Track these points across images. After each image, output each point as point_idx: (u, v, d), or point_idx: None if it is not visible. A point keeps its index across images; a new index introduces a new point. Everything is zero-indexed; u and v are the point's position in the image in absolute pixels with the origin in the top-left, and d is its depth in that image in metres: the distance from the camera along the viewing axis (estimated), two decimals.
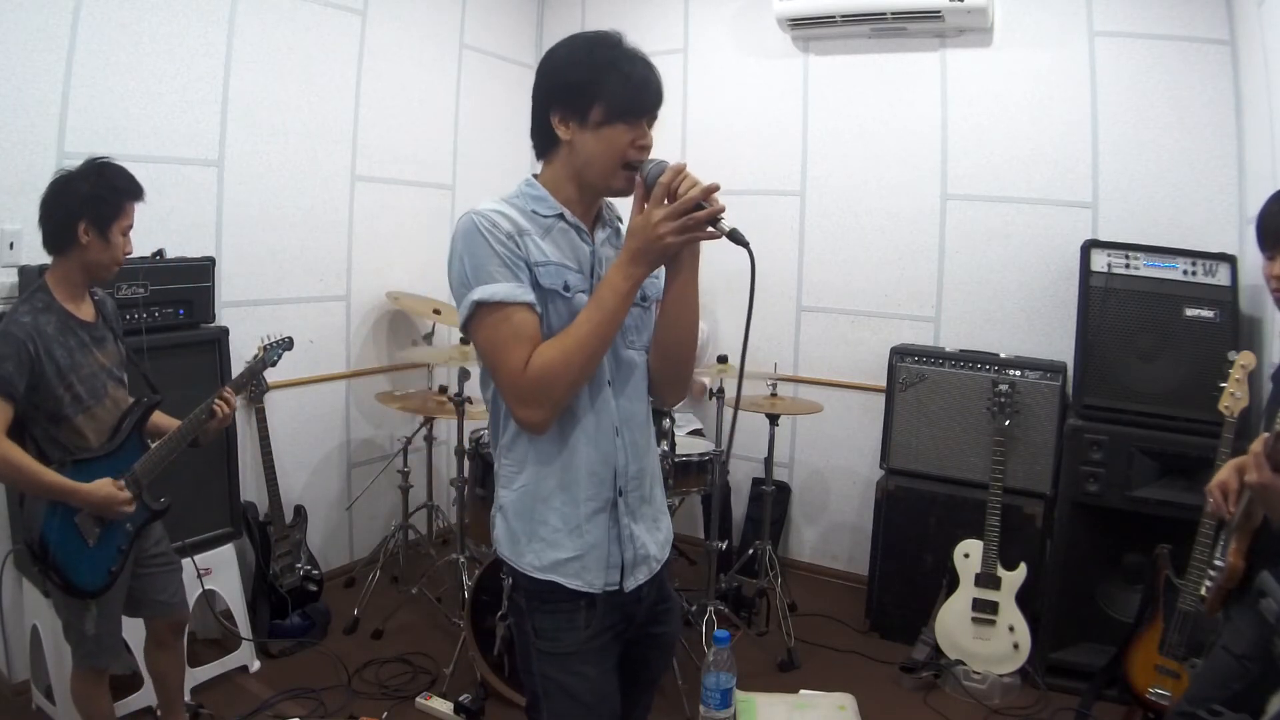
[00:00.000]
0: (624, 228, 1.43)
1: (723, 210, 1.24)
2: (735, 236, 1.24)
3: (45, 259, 2.16)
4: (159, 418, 2.14)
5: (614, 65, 1.27)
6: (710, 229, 1.24)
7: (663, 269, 1.36)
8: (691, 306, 1.37)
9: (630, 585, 1.37)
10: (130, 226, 1.96)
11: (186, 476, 2.59)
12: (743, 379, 1.37)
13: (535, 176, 1.37)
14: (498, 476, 1.41)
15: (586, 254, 1.35)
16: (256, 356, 2.38)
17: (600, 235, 1.39)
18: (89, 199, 1.87)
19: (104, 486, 1.89)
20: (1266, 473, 1.46)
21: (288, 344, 2.41)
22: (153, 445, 2.06)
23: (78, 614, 1.97)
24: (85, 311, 1.98)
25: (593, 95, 1.26)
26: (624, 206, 1.38)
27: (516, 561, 1.35)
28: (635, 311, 1.39)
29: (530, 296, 1.26)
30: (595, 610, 1.34)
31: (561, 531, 1.33)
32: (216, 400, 2.11)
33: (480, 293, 1.24)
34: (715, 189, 1.24)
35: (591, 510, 1.34)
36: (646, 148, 1.30)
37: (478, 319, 1.26)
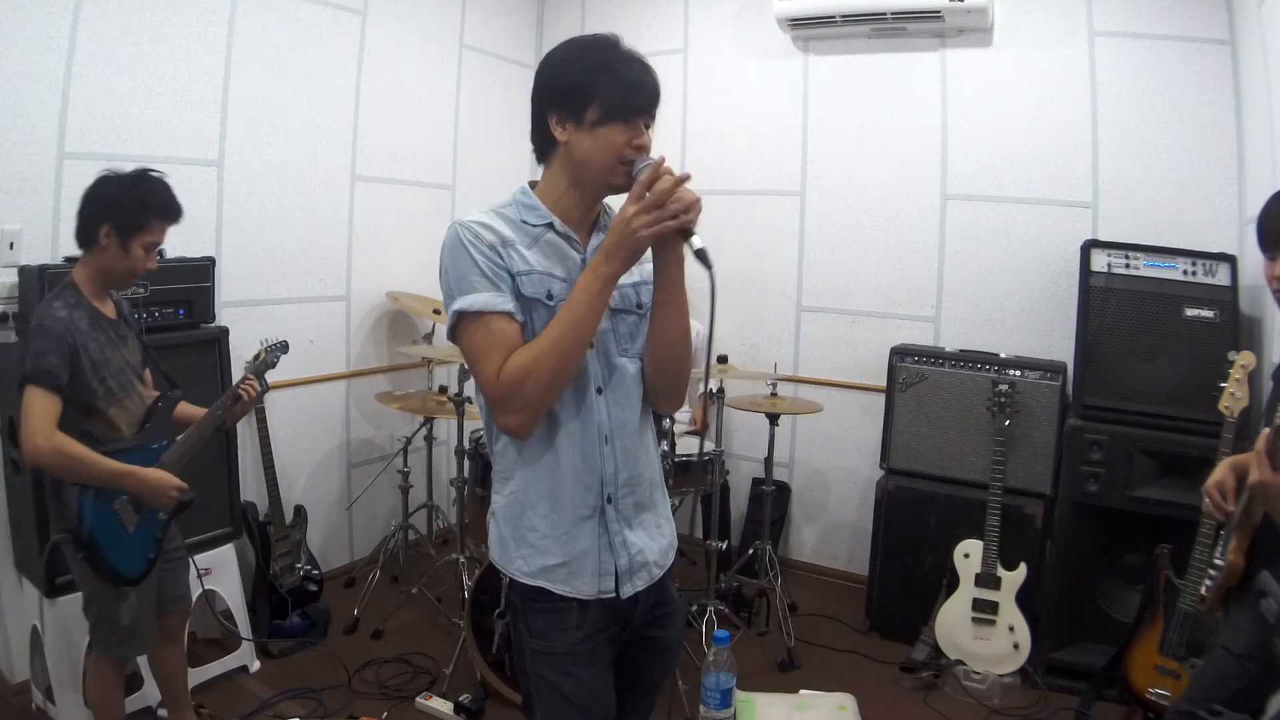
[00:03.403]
0: None
1: (697, 202, 1.24)
2: (701, 256, 1.23)
3: (45, 259, 2.22)
4: (183, 407, 2.20)
5: (608, 66, 1.27)
6: (683, 231, 1.24)
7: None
8: (678, 312, 1.36)
9: (628, 592, 1.36)
10: (156, 243, 1.98)
11: (187, 476, 2.57)
12: (708, 376, 1.35)
13: (532, 185, 1.38)
14: (492, 482, 1.42)
15: (576, 262, 1.34)
16: (258, 357, 2.42)
17: (594, 241, 1.38)
18: (115, 205, 1.90)
19: (158, 470, 1.96)
20: (1268, 471, 1.46)
21: (284, 347, 2.47)
22: (179, 436, 2.12)
23: (113, 604, 2.00)
24: (109, 310, 2.03)
25: (589, 96, 1.26)
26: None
27: (506, 567, 1.36)
28: (630, 319, 1.39)
29: (509, 305, 1.27)
30: (587, 612, 1.34)
31: (549, 538, 1.33)
32: (241, 386, 2.19)
33: (461, 303, 1.27)
34: (686, 178, 1.24)
35: (579, 517, 1.34)
36: (644, 148, 1.29)
37: (460, 328, 1.29)
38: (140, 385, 2.07)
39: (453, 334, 1.31)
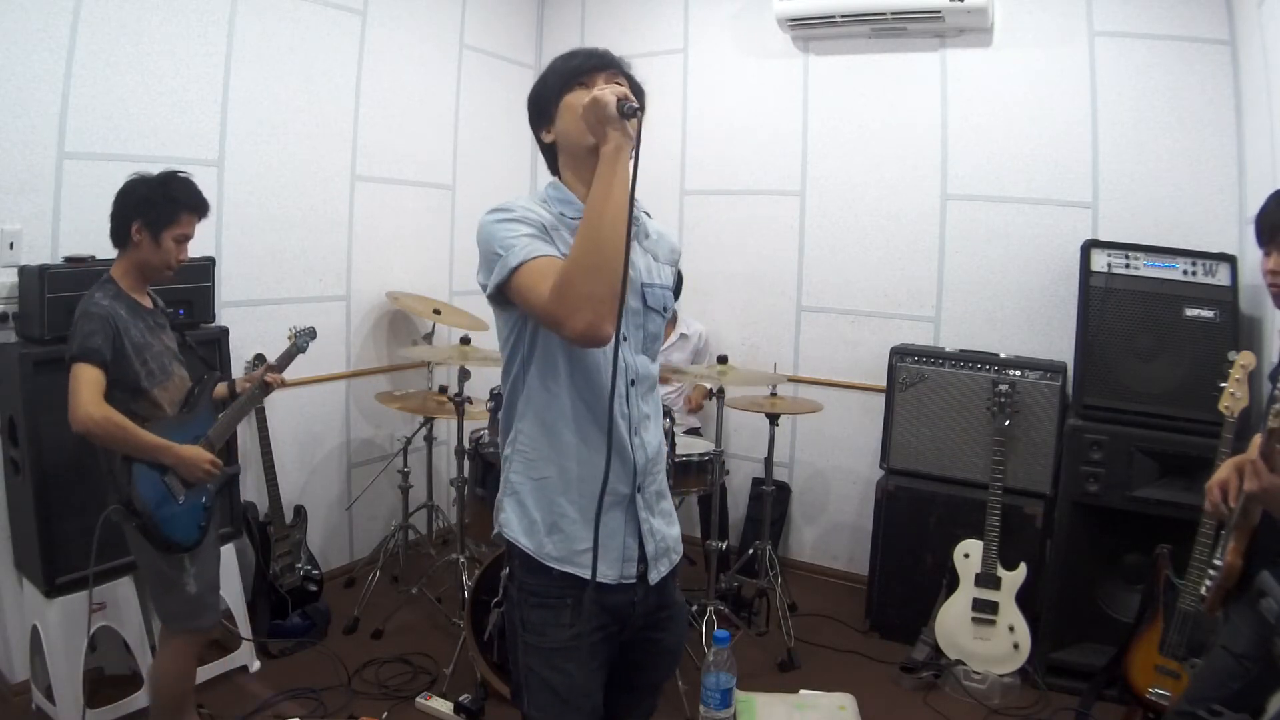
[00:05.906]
0: (651, 224, 1.49)
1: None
2: (621, 109, 1.25)
3: (45, 259, 2.29)
4: (219, 389, 2.35)
5: (551, 67, 1.41)
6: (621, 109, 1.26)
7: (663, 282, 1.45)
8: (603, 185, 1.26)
9: (655, 577, 1.41)
10: (186, 236, 2.10)
11: None
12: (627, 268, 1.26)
13: (558, 178, 1.44)
14: (509, 461, 1.42)
15: None
16: (290, 343, 2.54)
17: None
18: (145, 202, 2.02)
19: (193, 447, 2.08)
20: (1267, 476, 1.46)
21: (312, 333, 2.59)
22: (219, 414, 2.25)
23: (177, 575, 2.08)
24: (146, 301, 2.15)
25: (549, 98, 1.39)
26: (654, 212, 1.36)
27: (537, 552, 1.37)
28: (658, 320, 1.44)
29: (559, 252, 1.29)
30: (581, 609, 1.35)
31: (578, 523, 1.36)
32: (268, 377, 2.37)
33: (513, 257, 1.27)
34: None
35: (608, 504, 1.35)
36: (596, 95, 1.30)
37: (513, 281, 1.27)
38: (179, 369, 2.19)
39: (503, 293, 1.29)
